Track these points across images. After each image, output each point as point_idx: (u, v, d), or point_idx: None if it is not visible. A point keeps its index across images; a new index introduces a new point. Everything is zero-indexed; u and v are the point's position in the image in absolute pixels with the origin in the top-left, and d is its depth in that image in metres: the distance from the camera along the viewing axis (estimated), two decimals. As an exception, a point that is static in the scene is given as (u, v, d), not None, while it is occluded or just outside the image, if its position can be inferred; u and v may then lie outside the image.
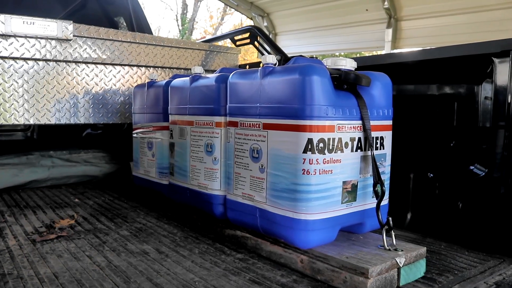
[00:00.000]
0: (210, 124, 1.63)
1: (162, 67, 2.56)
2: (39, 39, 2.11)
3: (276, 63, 1.41)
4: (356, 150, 1.34)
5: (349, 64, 1.48)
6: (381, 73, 1.48)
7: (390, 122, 1.47)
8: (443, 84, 1.80)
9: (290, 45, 6.42)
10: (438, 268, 1.42)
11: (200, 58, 2.70)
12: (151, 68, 2.52)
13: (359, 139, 1.34)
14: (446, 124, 1.79)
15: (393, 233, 1.34)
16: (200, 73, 1.75)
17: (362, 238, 1.43)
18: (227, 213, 1.58)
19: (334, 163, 1.28)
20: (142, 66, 2.48)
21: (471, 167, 1.68)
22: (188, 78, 1.77)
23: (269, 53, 2.72)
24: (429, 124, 1.85)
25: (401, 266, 1.25)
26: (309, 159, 1.25)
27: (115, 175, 2.79)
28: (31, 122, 2.14)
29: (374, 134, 1.39)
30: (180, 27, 19.92)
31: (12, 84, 2.08)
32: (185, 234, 1.76)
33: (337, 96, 1.30)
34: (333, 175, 1.28)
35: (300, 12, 6.01)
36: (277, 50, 2.63)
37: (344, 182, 1.31)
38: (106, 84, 2.39)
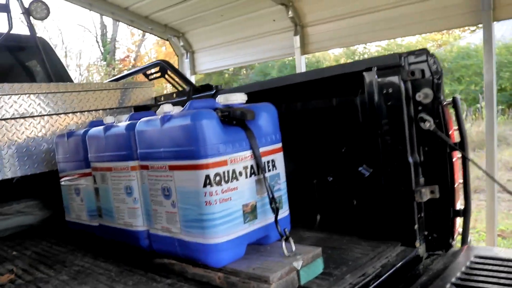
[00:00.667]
0: (126, 168, 1.81)
1: (81, 111, 2.69)
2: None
3: (172, 111, 1.62)
4: (251, 176, 1.57)
5: (240, 98, 1.71)
6: (266, 104, 1.72)
7: (279, 145, 1.72)
8: (331, 98, 2.08)
9: (207, 61, 6.68)
10: (337, 262, 1.68)
11: (116, 97, 2.85)
12: (70, 114, 2.64)
13: (251, 166, 1.58)
14: (337, 133, 2.07)
15: (291, 241, 1.58)
16: (112, 122, 1.93)
17: (269, 248, 1.66)
18: (152, 245, 1.77)
19: (231, 191, 1.51)
20: (61, 113, 2.60)
21: (360, 168, 1.97)
22: (102, 128, 1.94)
23: (180, 84, 2.92)
24: (324, 135, 2.12)
25: (299, 268, 1.49)
26: (209, 192, 1.46)
27: (50, 221, 2.88)
28: None
29: (265, 158, 1.63)
30: (102, 49, 19.61)
31: None
32: (121, 269, 1.92)
33: (227, 132, 1.53)
34: (232, 201, 1.51)
35: (213, 29, 6.27)
36: (185, 81, 2.84)
37: (244, 205, 1.54)
38: (28, 136, 2.49)
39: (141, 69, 3.24)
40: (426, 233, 1.80)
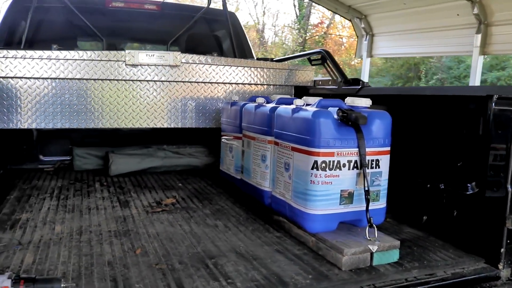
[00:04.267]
0: (265, 141, 2.32)
1: (249, 84, 3.29)
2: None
3: (303, 104, 2.05)
4: (353, 169, 1.93)
5: (364, 103, 2.05)
6: (382, 112, 2.02)
7: (386, 149, 2.01)
8: (458, 117, 2.24)
9: (384, 46, 6.76)
10: (414, 257, 1.94)
11: (282, 75, 3.37)
12: (240, 84, 3.27)
13: (355, 161, 1.92)
14: (458, 148, 2.24)
15: (375, 228, 1.90)
16: (262, 103, 2.45)
17: (359, 231, 2.01)
18: (272, 204, 2.27)
19: (333, 177, 1.89)
20: (233, 83, 3.24)
21: (468, 184, 2.13)
22: (254, 104, 2.47)
23: (335, 73, 3.29)
24: (446, 147, 2.30)
25: (373, 251, 1.82)
26: (315, 174, 1.88)
27: (212, 166, 3.63)
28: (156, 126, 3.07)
29: (370, 157, 1.95)
30: (298, 12, 20.48)
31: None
32: (248, 216, 2.49)
33: (340, 130, 1.89)
34: (332, 185, 1.90)
35: (395, 15, 6.30)
36: (339, 72, 3.20)
37: (342, 190, 1.92)
38: (207, 97, 3.19)
39: (305, 54, 3.70)
40: (514, 259, 1.92)
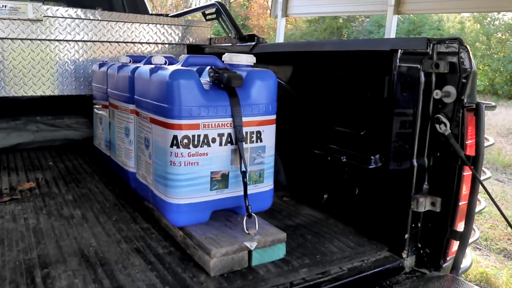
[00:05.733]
0: (127, 110, 1.84)
1: (132, 42, 2.75)
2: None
3: (165, 62, 1.58)
4: (226, 144, 1.51)
5: (245, 60, 1.62)
6: (265, 71, 1.60)
7: (271, 117, 1.61)
8: (359, 74, 1.88)
9: (300, 5, 6.35)
10: (305, 252, 1.58)
11: (173, 33, 2.86)
12: (122, 43, 2.72)
13: (229, 134, 1.50)
14: (361, 114, 1.89)
15: (256, 219, 1.52)
16: (126, 62, 1.95)
17: (239, 220, 1.62)
18: (137, 189, 1.82)
19: (200, 156, 1.46)
20: (112, 42, 2.69)
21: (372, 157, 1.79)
22: (116, 65, 1.97)
23: (230, 29, 2.83)
24: (347, 112, 1.95)
25: (252, 249, 1.44)
26: (175, 153, 1.43)
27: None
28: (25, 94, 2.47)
29: (249, 129, 1.54)
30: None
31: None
32: (117, 202, 2.02)
33: (207, 95, 1.45)
34: (199, 166, 1.47)
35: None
36: (235, 27, 2.75)
37: (212, 172, 1.50)
38: (84, 60, 2.63)
39: (199, 8, 3.20)
40: (419, 245, 1.62)
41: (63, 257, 1.49)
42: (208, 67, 1.56)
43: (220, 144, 1.49)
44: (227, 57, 1.63)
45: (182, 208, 1.48)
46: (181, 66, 1.58)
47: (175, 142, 1.43)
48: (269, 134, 1.61)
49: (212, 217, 1.57)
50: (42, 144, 2.97)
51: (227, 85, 1.49)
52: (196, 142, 1.45)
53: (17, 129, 2.88)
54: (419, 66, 1.49)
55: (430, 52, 1.47)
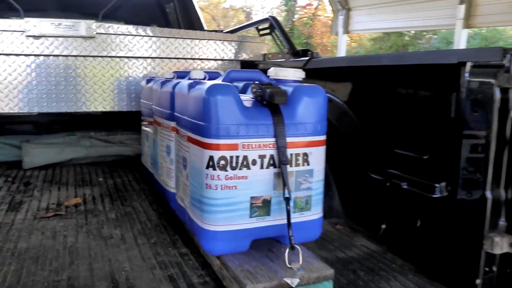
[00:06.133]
0: (168, 128, 1.75)
1: (184, 58, 2.70)
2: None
3: (204, 77, 1.47)
4: (268, 167, 1.36)
5: (292, 74, 1.49)
6: (313, 86, 1.45)
7: (320, 138, 1.44)
8: (421, 90, 1.68)
9: (361, 21, 6.10)
10: (356, 289, 1.40)
11: (225, 49, 2.79)
12: (174, 59, 2.68)
13: (272, 156, 1.36)
14: (423, 134, 1.68)
15: (300, 251, 1.35)
16: (170, 78, 1.87)
17: (283, 251, 1.45)
18: (176, 211, 1.72)
19: (238, 179, 1.33)
20: (163, 58, 2.65)
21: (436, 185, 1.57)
22: (159, 81, 1.90)
23: (284, 44, 2.70)
24: (406, 131, 1.74)
25: (293, 286, 1.27)
26: (211, 175, 1.31)
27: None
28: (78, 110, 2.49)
29: (294, 150, 1.39)
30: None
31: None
32: (159, 223, 1.94)
33: (248, 113, 1.32)
34: (238, 190, 1.33)
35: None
36: (288, 42, 2.62)
37: (252, 198, 1.36)
38: (134, 76, 2.62)
39: (253, 23, 3.11)
40: (494, 293, 1.37)
41: (92, 281, 1.41)
42: (257, 82, 1.44)
43: (261, 167, 1.35)
44: (273, 72, 1.50)
45: (219, 235, 1.35)
46: (222, 81, 1.46)
47: (211, 163, 1.31)
48: (317, 156, 1.44)
49: (253, 245, 1.43)
50: (94, 159, 2.99)
51: (270, 102, 1.35)
52: (234, 164, 1.32)
53: (71, 144, 2.92)
54: (492, 80, 1.27)
55: (507, 64, 1.25)
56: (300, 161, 1.41)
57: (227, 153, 1.31)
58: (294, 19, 19.14)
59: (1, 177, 2.64)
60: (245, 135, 1.32)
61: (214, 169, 1.31)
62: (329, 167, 1.53)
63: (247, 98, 1.40)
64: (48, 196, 2.29)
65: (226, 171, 1.31)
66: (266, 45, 2.91)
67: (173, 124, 1.70)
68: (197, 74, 1.47)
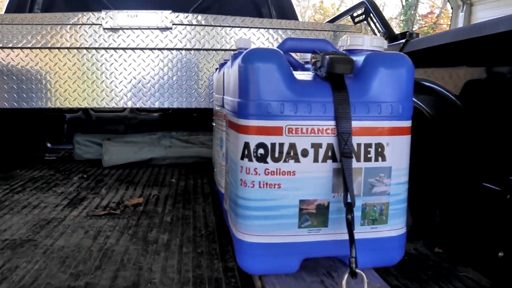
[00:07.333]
0: (221, 116, 1.47)
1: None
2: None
3: (248, 47, 1.17)
4: (325, 161, 1.00)
5: (369, 43, 1.13)
6: (394, 53, 1.06)
7: (402, 123, 1.05)
8: None
9: (486, 17, 5.25)
10: None
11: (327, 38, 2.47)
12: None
13: (331, 146, 1.00)
14: None
15: (365, 280, 0.96)
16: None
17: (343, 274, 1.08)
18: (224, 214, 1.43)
19: (283, 175, 0.99)
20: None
21: None
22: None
23: (380, 29, 2.28)
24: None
25: (350, 329, 0.90)
26: (246, 167, 0.99)
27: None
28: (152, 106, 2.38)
29: (364, 139, 1.01)
30: (404, 2, 18.60)
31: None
32: (214, 229, 1.67)
33: (298, 87, 0.99)
34: (281, 190, 1.00)
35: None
36: (385, 26, 2.19)
37: (302, 201, 1.01)
38: (213, 70, 2.42)
39: (348, 10, 2.73)
40: None
41: (112, 291, 1.17)
42: (320, 52, 1.10)
43: (316, 160, 1.00)
44: (345, 41, 1.15)
45: (256, 248, 1.02)
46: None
47: (246, 152, 0.99)
48: (398, 149, 1.04)
49: (307, 266, 1.08)
50: (174, 160, 2.84)
51: (330, 72, 1.00)
52: (277, 155, 0.98)
53: (151, 144, 2.81)
54: None
55: None
56: (372, 155, 1.03)
57: (268, 139, 0.98)
58: (414, 29, 18.05)
59: (78, 174, 2.60)
60: (292, 115, 0.98)
61: (250, 160, 0.99)
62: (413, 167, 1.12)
63: (307, 74, 1.07)
64: (113, 195, 2.15)
65: (266, 163, 0.99)
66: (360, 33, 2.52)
67: (225, 111, 1.42)
68: (243, 43, 1.17)
